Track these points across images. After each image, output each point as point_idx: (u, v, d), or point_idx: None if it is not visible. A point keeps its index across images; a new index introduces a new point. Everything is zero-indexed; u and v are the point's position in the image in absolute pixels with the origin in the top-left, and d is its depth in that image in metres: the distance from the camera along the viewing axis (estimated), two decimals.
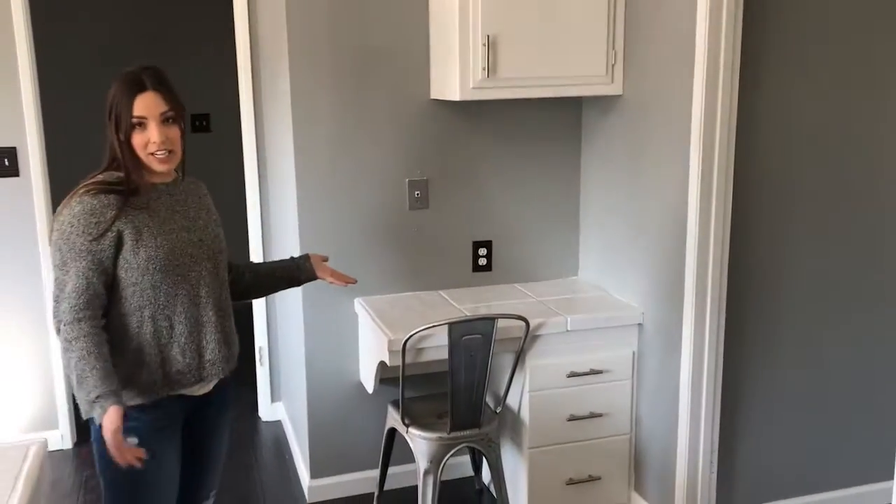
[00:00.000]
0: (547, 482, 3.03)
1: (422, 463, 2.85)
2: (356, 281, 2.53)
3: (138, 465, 1.87)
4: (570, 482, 3.05)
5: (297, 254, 2.61)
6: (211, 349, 2.09)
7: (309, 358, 3.20)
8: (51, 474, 1.66)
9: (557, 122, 3.32)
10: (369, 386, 3.11)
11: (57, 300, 1.95)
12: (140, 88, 1.98)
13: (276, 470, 3.57)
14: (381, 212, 3.17)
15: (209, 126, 5.70)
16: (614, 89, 3.01)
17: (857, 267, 2.94)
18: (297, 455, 3.56)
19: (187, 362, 2.05)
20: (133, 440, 1.91)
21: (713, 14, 2.52)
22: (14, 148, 3.48)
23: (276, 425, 4.00)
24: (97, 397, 1.86)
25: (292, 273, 2.43)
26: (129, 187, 1.98)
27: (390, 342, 2.77)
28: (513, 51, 2.84)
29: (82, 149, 5.39)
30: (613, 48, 2.96)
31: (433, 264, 3.28)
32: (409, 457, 2.95)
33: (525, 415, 2.97)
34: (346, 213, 3.13)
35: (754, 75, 2.66)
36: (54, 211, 3.53)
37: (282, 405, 4.03)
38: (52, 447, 3.72)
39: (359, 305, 3.15)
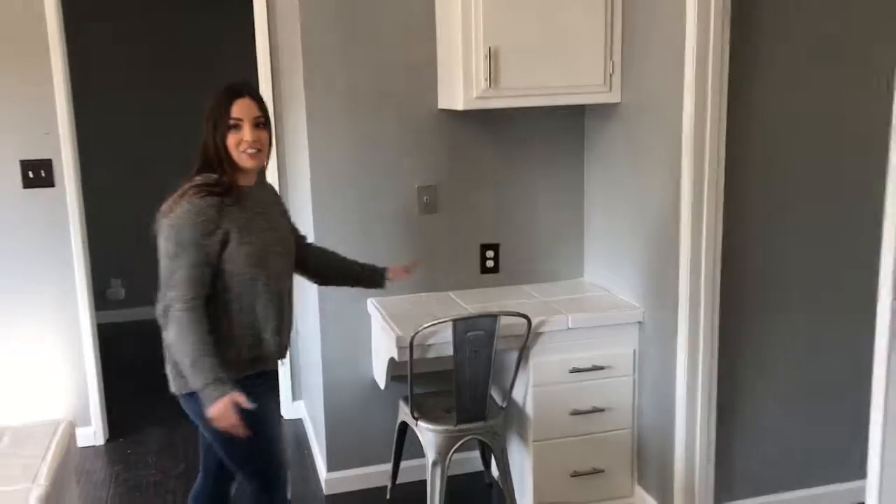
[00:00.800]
0: (552, 474, 3.16)
1: (430, 454, 2.99)
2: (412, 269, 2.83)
3: (246, 433, 2.18)
4: (575, 474, 3.17)
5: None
6: (286, 333, 2.43)
7: (325, 357, 3.37)
8: (78, 453, 1.83)
9: (562, 129, 3.46)
10: (381, 382, 3.26)
11: (166, 286, 2.21)
12: (238, 95, 2.28)
13: (296, 464, 3.73)
14: (392, 216, 3.32)
15: None
16: (612, 97, 3.14)
17: (849, 266, 3.02)
18: (316, 449, 3.72)
19: (274, 345, 2.37)
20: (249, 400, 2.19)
21: (701, 25, 2.65)
22: (50, 160, 3.69)
23: (297, 423, 4.17)
24: (214, 380, 2.15)
25: (369, 278, 2.77)
26: (223, 188, 2.25)
27: (398, 339, 2.92)
28: (513, 62, 2.99)
29: (112, 160, 5.70)
30: (611, 59, 3.09)
31: (442, 266, 3.43)
32: (420, 452, 3.09)
33: (529, 409, 3.11)
34: (359, 217, 3.29)
35: (743, 82, 2.78)
36: (87, 218, 3.77)
37: (302, 403, 4.20)
38: (85, 443, 3.92)
39: (371, 306, 3.31)
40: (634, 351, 3.16)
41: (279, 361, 2.48)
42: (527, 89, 3.04)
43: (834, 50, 2.86)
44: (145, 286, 6.28)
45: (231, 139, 2.26)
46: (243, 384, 2.25)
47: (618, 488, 3.24)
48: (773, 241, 2.95)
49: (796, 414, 3.07)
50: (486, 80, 2.97)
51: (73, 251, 3.80)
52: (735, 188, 2.84)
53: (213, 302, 2.25)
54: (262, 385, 2.40)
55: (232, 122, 2.26)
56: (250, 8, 3.84)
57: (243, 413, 2.18)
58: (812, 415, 3.10)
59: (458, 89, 3.03)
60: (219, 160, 2.28)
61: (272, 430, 2.50)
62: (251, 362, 2.34)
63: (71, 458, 1.75)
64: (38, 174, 3.69)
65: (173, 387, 2.35)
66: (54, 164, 3.71)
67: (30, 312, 3.80)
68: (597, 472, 3.19)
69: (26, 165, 3.67)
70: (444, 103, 3.24)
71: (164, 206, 2.26)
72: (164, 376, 2.36)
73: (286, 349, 2.46)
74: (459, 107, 3.04)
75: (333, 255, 2.79)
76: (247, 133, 2.26)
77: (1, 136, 3.63)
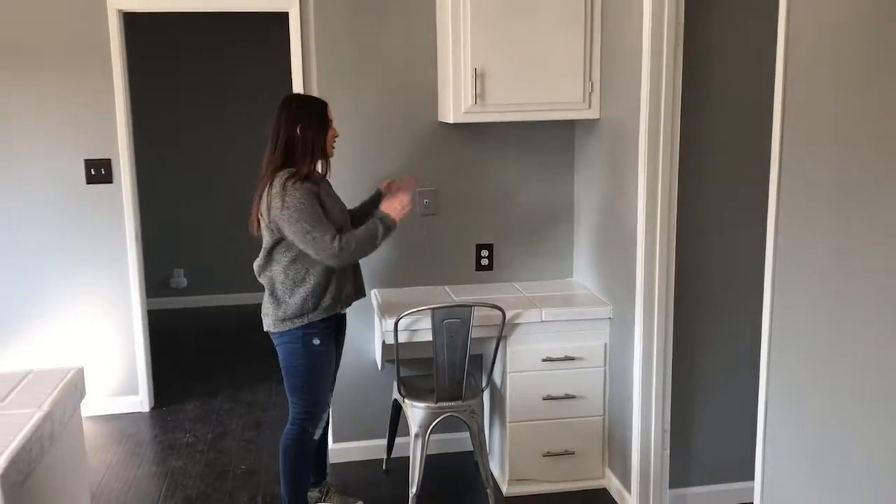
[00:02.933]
0: (526, 453, 3.49)
1: (413, 428, 3.37)
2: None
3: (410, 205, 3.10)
4: (548, 455, 3.49)
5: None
6: (357, 279, 3.16)
7: None
8: (85, 392, 2.30)
9: (553, 141, 3.79)
10: (379, 363, 3.66)
11: (318, 249, 2.88)
12: (325, 102, 3.04)
13: None
14: None
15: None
16: (592, 114, 3.45)
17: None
18: None
19: (350, 289, 3.09)
20: (316, 341, 2.99)
21: (655, 48, 2.95)
22: (109, 159, 4.25)
23: None
24: (382, 223, 2.98)
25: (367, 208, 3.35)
26: (309, 173, 2.92)
27: (384, 323, 3.31)
28: (498, 81, 3.35)
29: (181, 165, 6.27)
30: (590, 79, 3.41)
31: (440, 263, 3.81)
32: None
33: (506, 392, 3.44)
34: None
35: (696, 97, 3.06)
36: (152, 213, 4.28)
37: None
38: (132, 409, 4.48)
39: (373, 295, 3.71)
40: (605, 344, 3.46)
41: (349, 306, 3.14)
42: (510, 106, 3.39)
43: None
44: (205, 277, 6.95)
45: (329, 134, 3.00)
46: (322, 325, 2.98)
47: (589, 470, 3.55)
48: (725, 244, 3.21)
49: (750, 406, 3.30)
50: (473, 96, 3.34)
51: (126, 241, 4.34)
52: (688, 196, 3.12)
53: (308, 259, 2.94)
54: (334, 328, 3.07)
55: (329, 123, 3.00)
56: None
57: (307, 356, 2.98)
58: None
59: (449, 105, 3.41)
60: (312, 153, 2.93)
61: (324, 372, 3.08)
62: (332, 305, 3.00)
63: (76, 396, 2.21)
64: (98, 172, 4.24)
65: (268, 326, 3.04)
66: (113, 163, 4.25)
67: (89, 295, 4.35)
68: (568, 453, 3.50)
69: (89, 164, 4.23)
70: (441, 117, 3.62)
71: (273, 203, 2.87)
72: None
73: (361, 293, 3.17)
74: (450, 120, 3.42)
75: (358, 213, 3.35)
76: (336, 130, 3.04)
77: (67, 137, 4.20)
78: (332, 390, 3.28)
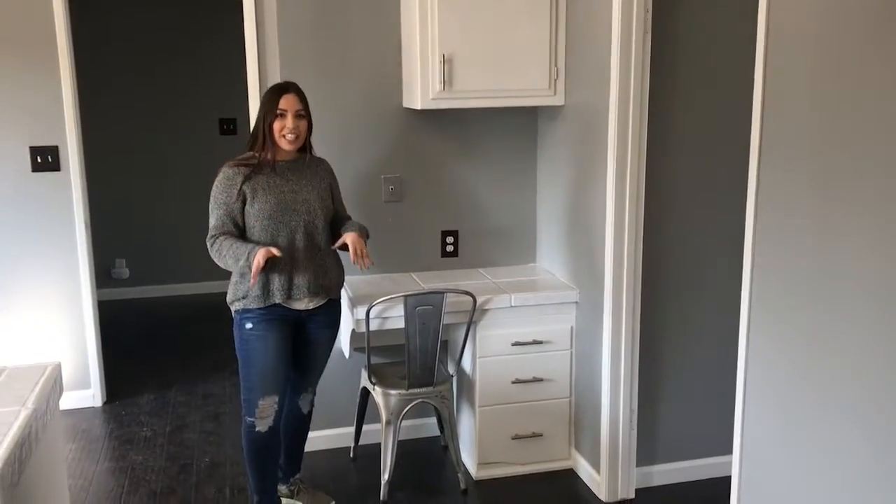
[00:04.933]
0: (495, 437, 3.53)
1: (384, 415, 3.37)
2: (369, 265, 3.02)
3: (262, 263, 2.76)
4: (516, 437, 3.54)
5: None
6: (299, 277, 2.93)
7: None
8: (62, 390, 2.24)
9: (517, 128, 3.81)
10: (346, 351, 3.64)
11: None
12: (285, 90, 2.90)
13: None
14: (360, 204, 3.68)
15: (236, 129, 6.30)
16: (557, 101, 3.49)
17: None
18: None
19: (280, 282, 2.91)
20: (248, 325, 2.92)
21: (624, 37, 3.00)
22: (56, 146, 4.09)
23: None
24: (247, 254, 2.78)
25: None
26: (258, 162, 2.89)
27: (356, 311, 3.30)
28: (466, 67, 3.35)
29: (120, 150, 6.09)
30: (555, 66, 3.44)
31: (406, 250, 3.80)
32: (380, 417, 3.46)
33: (476, 377, 3.47)
34: None
35: (664, 86, 3.13)
36: (93, 202, 4.17)
37: None
38: (84, 404, 4.35)
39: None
40: (572, 328, 3.52)
41: (293, 301, 2.96)
42: (478, 92, 3.40)
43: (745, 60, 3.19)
44: (148, 266, 6.78)
45: (276, 125, 2.87)
46: (261, 312, 2.91)
47: (556, 451, 3.61)
48: (692, 229, 3.30)
49: (713, 386, 3.42)
50: (441, 83, 3.33)
51: (76, 231, 4.19)
52: (656, 183, 3.19)
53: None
54: (275, 317, 2.94)
55: (278, 112, 2.87)
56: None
57: (240, 339, 2.94)
58: (728, 387, 3.43)
59: (416, 91, 3.40)
60: (263, 141, 2.88)
61: (257, 360, 2.95)
62: (262, 296, 2.90)
63: (56, 393, 2.14)
64: (45, 159, 4.08)
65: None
66: (60, 150, 4.10)
67: (37, 286, 4.20)
68: (536, 435, 3.56)
69: (35, 151, 4.07)
70: (406, 102, 3.60)
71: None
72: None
73: (305, 291, 2.95)
74: (417, 106, 3.41)
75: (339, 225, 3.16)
76: (289, 122, 2.87)
77: (11, 124, 4.02)
78: (292, 385, 3.15)
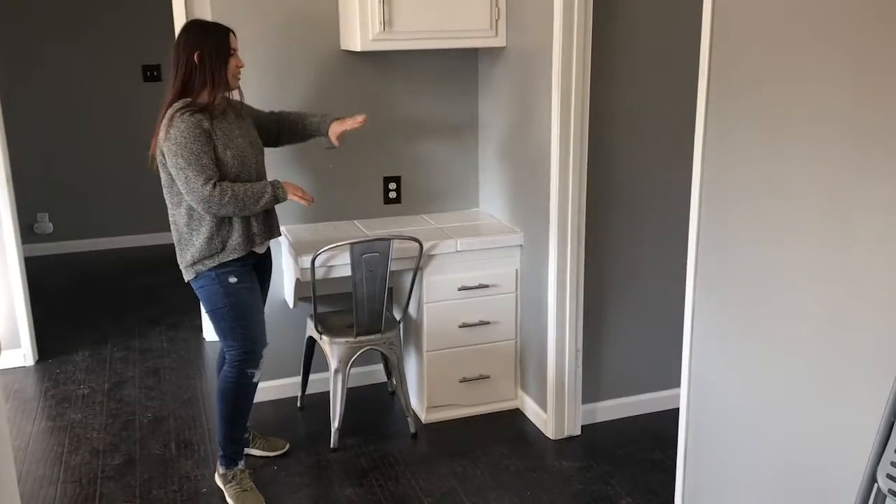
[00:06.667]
0: (443, 380, 3.55)
1: (333, 364, 3.35)
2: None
3: (309, 198, 2.93)
4: (464, 380, 3.58)
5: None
6: (271, 217, 2.99)
7: None
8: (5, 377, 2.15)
9: (457, 71, 3.76)
10: (290, 302, 3.59)
11: (189, 189, 2.72)
12: (228, 30, 2.82)
13: (215, 379, 4.05)
14: (299, 150, 3.60)
15: (160, 76, 6.06)
16: (498, 42, 3.45)
17: None
18: None
19: (259, 226, 2.90)
20: (233, 279, 2.85)
21: None
22: None
23: (217, 344, 4.47)
24: (272, 189, 2.83)
25: (312, 130, 3.21)
26: (208, 105, 2.75)
27: (300, 260, 3.25)
28: (406, 7, 3.27)
29: (34, 97, 5.76)
30: (497, 6, 3.39)
31: (348, 197, 3.75)
32: (326, 365, 3.43)
33: (423, 323, 3.48)
34: (269, 151, 3.56)
35: (607, 22, 3.12)
36: (12, 154, 3.95)
37: None
38: (15, 364, 4.20)
39: (282, 233, 3.60)
40: (517, 271, 3.55)
41: (264, 245, 3.01)
42: (418, 33, 3.33)
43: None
44: (72, 221, 6.54)
45: (231, 64, 2.81)
46: (237, 264, 2.86)
47: (502, 392, 3.66)
48: (639, 167, 3.33)
49: (656, 325, 3.51)
50: (380, 23, 3.25)
51: None
52: (600, 121, 3.20)
53: None
54: (249, 266, 2.93)
55: (231, 52, 2.80)
56: None
57: (228, 295, 2.85)
58: (670, 325, 3.53)
59: (355, 32, 3.31)
60: (213, 84, 2.76)
61: (252, 309, 2.94)
62: (243, 244, 2.85)
63: None
64: None
65: (185, 275, 2.90)
66: None
67: None
68: (483, 378, 3.60)
69: None
70: (344, 45, 3.51)
71: (161, 134, 2.73)
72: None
73: (275, 232, 3.01)
74: (357, 48, 3.32)
75: (292, 122, 3.21)
76: (240, 60, 2.85)
77: None
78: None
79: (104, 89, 5.97)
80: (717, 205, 2.35)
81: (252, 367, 2.96)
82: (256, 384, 3.02)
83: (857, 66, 1.84)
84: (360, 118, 3.12)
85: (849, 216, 1.90)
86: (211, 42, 2.78)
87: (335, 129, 3.15)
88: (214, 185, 2.72)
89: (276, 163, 3.53)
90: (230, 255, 2.84)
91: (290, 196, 2.89)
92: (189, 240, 2.84)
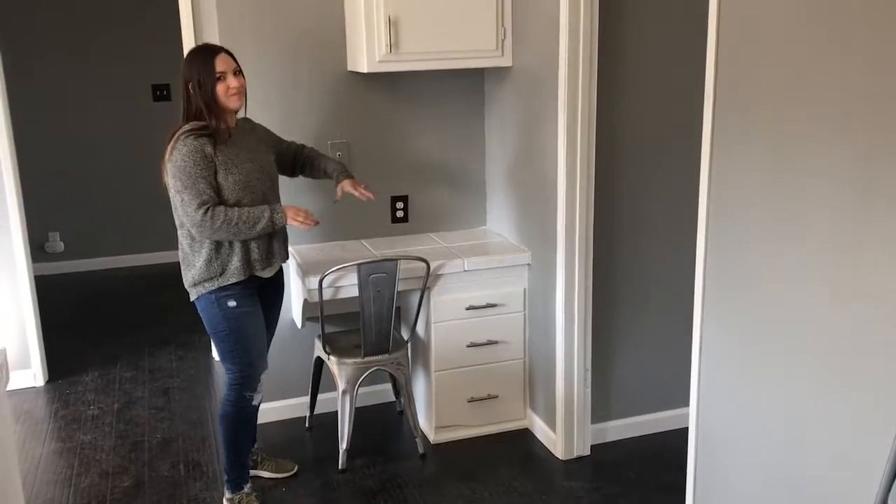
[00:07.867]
0: (451, 400, 3.54)
1: (340, 384, 3.34)
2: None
3: (311, 222, 2.89)
4: (472, 400, 3.56)
5: None
6: (276, 243, 2.95)
7: None
8: (9, 377, 2.15)
9: (464, 90, 3.77)
10: (298, 322, 3.59)
11: (184, 212, 2.74)
12: (216, 52, 2.77)
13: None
14: None
15: (169, 95, 6.10)
16: (504, 61, 3.46)
17: None
18: None
19: (260, 252, 2.87)
20: (232, 303, 2.84)
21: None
22: None
23: None
24: (270, 214, 2.80)
25: (326, 176, 3.26)
26: (213, 130, 2.75)
27: (308, 281, 3.25)
28: (412, 29, 3.29)
29: (45, 116, 5.81)
30: (502, 25, 3.40)
31: (355, 216, 3.75)
32: (335, 385, 3.43)
33: (431, 342, 3.47)
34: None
35: (614, 42, 3.12)
36: (25, 174, 3.97)
37: None
38: (25, 384, 4.21)
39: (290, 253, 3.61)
40: (524, 290, 3.54)
41: (269, 270, 2.96)
42: (425, 54, 3.34)
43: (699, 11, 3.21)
44: (83, 239, 6.57)
45: (220, 88, 2.75)
46: (239, 287, 2.84)
47: (511, 412, 3.65)
48: (645, 187, 3.33)
49: (664, 343, 3.48)
50: (387, 45, 3.26)
51: (6, 202, 4.02)
52: (606, 144, 3.20)
53: None
54: (251, 290, 2.91)
55: (217, 75, 2.74)
56: None
57: (226, 319, 2.84)
58: (679, 343, 3.51)
59: (362, 54, 3.32)
60: (208, 110, 2.74)
61: (252, 333, 2.93)
62: (242, 269, 2.84)
63: (4, 378, 2.06)
64: None
65: (190, 295, 2.90)
66: None
67: None
68: (491, 397, 3.58)
69: None
70: (351, 66, 3.52)
71: (165, 157, 2.75)
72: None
73: (279, 258, 2.99)
74: (364, 70, 3.33)
75: (310, 159, 3.26)
76: (231, 81, 2.76)
77: None
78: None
79: (114, 109, 6.01)
80: (724, 225, 2.34)
81: (250, 391, 2.96)
82: (257, 407, 3.02)
83: (865, 84, 1.83)
84: (369, 194, 3.15)
85: (860, 239, 1.88)
86: (195, 72, 2.75)
87: (344, 187, 3.16)
88: (207, 211, 2.70)
89: (285, 182, 3.54)
90: (229, 279, 2.83)
91: (289, 221, 2.86)
92: (191, 261, 2.86)
